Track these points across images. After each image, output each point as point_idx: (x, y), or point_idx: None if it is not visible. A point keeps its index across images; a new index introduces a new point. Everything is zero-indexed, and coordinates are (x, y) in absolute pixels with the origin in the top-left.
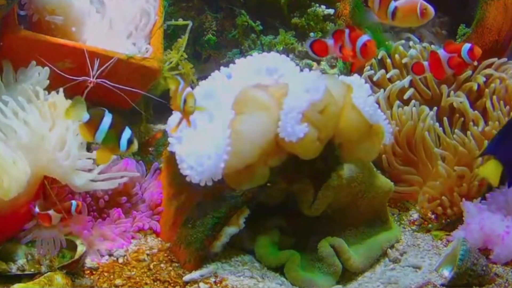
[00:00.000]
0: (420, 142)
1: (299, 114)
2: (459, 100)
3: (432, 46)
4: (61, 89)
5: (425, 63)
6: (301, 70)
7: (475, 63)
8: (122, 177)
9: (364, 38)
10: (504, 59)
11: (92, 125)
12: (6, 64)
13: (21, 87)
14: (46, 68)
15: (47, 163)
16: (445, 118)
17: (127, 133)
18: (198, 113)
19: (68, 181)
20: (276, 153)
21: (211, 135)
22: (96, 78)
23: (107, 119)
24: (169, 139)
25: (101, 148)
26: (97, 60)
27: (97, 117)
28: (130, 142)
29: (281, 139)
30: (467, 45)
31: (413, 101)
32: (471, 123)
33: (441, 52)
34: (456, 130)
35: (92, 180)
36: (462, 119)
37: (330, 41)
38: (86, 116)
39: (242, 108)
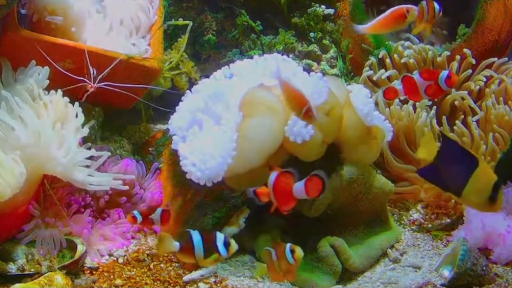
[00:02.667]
0: (419, 138)
1: None
2: (461, 93)
3: (430, 46)
4: (59, 89)
5: (399, 87)
6: (304, 70)
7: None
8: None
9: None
10: (504, 59)
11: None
12: (5, 63)
13: (20, 87)
14: (46, 67)
15: (46, 161)
16: (444, 117)
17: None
18: (205, 114)
19: (69, 178)
20: (277, 153)
21: (217, 137)
22: (97, 80)
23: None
24: (173, 137)
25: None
26: (96, 60)
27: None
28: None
29: (285, 139)
30: (444, 73)
31: (411, 101)
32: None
33: (416, 78)
34: (457, 122)
35: (91, 175)
36: (463, 116)
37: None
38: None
39: (250, 110)
